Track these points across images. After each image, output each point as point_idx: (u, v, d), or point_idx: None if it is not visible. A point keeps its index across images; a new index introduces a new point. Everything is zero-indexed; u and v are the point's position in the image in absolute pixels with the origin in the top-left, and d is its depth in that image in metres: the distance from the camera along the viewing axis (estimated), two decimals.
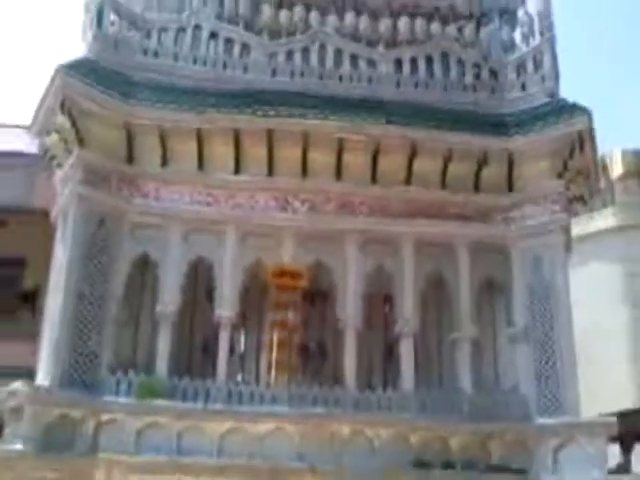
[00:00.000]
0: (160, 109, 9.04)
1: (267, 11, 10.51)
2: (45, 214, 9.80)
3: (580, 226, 14.08)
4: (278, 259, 9.15)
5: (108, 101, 8.81)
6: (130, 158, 9.16)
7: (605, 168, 15.75)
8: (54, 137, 9.10)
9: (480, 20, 10.93)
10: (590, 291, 14.22)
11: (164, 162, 9.24)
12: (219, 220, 9.20)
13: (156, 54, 9.72)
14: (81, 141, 8.80)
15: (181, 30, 9.97)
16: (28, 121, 9.48)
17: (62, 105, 8.64)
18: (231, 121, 9.19)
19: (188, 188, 9.26)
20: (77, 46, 9.61)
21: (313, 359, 10.06)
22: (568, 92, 9.84)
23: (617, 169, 15.94)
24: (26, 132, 10.00)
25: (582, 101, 9.33)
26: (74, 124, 8.71)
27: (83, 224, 8.69)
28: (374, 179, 9.50)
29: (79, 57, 9.08)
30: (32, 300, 12.99)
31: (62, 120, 8.77)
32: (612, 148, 15.97)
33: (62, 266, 8.65)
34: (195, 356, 9.85)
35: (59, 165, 9.39)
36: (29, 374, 8.61)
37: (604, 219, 15.51)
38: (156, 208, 9.11)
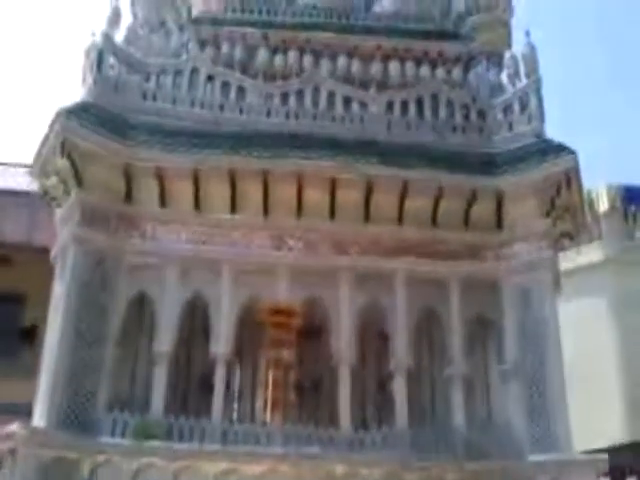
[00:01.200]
0: (158, 151, 9.02)
1: (262, 55, 10.60)
2: (46, 251, 9.70)
3: (568, 261, 14.02)
4: (273, 296, 9.05)
5: (107, 143, 8.78)
6: (128, 199, 9.10)
7: (591, 203, 15.79)
8: (53, 179, 9.05)
9: (468, 63, 11.03)
10: (579, 325, 14.12)
11: (162, 202, 9.18)
12: (215, 258, 9.12)
13: (155, 97, 9.72)
14: (80, 183, 8.75)
15: (179, 74, 9.99)
16: (30, 160, 9.42)
17: (62, 148, 8.61)
18: (227, 162, 9.17)
19: (185, 227, 9.19)
20: (78, 89, 9.62)
21: (308, 396, 9.90)
22: (555, 127, 9.91)
23: (603, 204, 15.97)
24: (27, 172, 9.92)
25: (567, 136, 9.37)
26: (73, 166, 8.67)
27: (81, 264, 8.59)
28: (367, 217, 9.45)
29: (79, 101, 9.08)
30: (32, 337, 12.82)
31: (62, 162, 8.73)
32: (598, 183, 16.01)
33: (60, 305, 8.53)
34: (191, 393, 9.70)
35: (59, 205, 9.32)
36: (28, 411, 8.43)
37: (591, 253, 15.47)
38: (153, 247, 9.03)
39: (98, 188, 8.84)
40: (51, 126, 8.61)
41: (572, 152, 9.16)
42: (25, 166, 12.30)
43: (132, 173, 9.02)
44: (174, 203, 9.21)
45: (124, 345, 8.86)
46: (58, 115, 8.53)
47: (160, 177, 9.08)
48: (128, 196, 9.09)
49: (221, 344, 8.74)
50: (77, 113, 8.68)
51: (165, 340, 8.70)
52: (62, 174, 8.89)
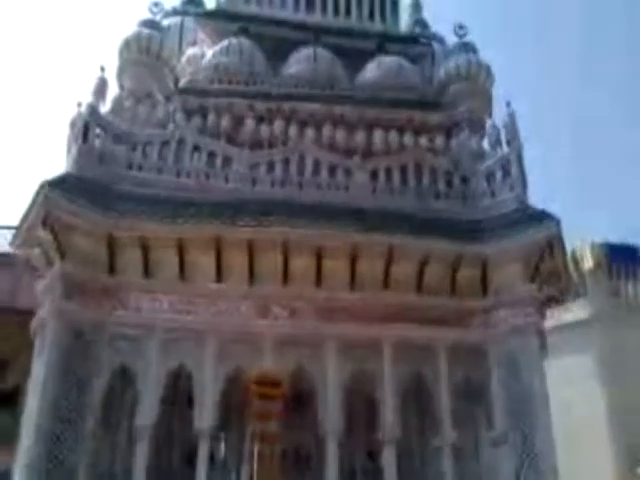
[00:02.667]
0: (142, 221, 8.72)
1: (249, 125, 10.47)
2: (28, 314, 9.24)
3: (555, 318, 13.75)
4: (259, 366, 8.60)
5: (90, 215, 8.49)
6: (111, 269, 8.75)
7: (576, 261, 15.62)
8: (36, 250, 8.70)
9: (450, 130, 10.96)
10: (567, 382, 13.76)
11: (145, 272, 8.83)
12: (199, 329, 8.73)
13: (140, 167, 9.49)
14: (62, 254, 8.41)
15: (165, 144, 9.79)
16: (14, 221, 9.10)
17: (44, 220, 8.30)
18: (213, 231, 8.88)
19: (169, 297, 8.82)
20: (63, 159, 9.37)
21: (295, 469, 9.37)
22: (540, 186, 9.76)
23: (587, 262, 15.83)
24: (10, 240, 9.54)
25: (553, 199, 9.21)
26: (56, 238, 8.34)
27: (61, 338, 8.17)
28: (353, 284, 9.15)
29: (62, 172, 8.82)
30: (12, 401, 12.24)
31: (44, 234, 8.40)
32: (582, 242, 15.88)
33: (39, 380, 8.07)
34: (175, 467, 9.16)
35: (41, 276, 8.93)
36: (7, 476, 7.91)
37: (578, 310, 15.23)
38: (136, 318, 8.63)
39: (81, 259, 8.49)
40: (34, 198, 8.32)
41: (555, 219, 8.98)
42: (8, 228, 11.97)
43: (116, 244, 8.70)
44: (158, 273, 8.87)
45: (105, 419, 8.38)
46: (41, 187, 8.25)
47: (144, 247, 8.76)
48: (111, 267, 8.74)
49: (205, 419, 8.28)
50: (60, 185, 8.40)
51: (147, 414, 8.21)
52: (45, 245, 8.56)
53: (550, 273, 9.40)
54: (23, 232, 8.64)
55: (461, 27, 12.08)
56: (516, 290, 9.07)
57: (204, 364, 8.55)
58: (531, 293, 9.07)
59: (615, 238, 15.95)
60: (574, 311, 15.37)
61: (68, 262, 8.40)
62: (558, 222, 8.99)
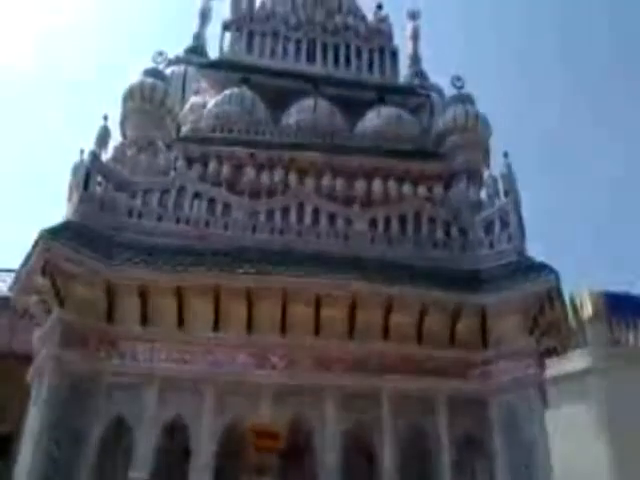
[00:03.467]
0: (141, 269, 8.68)
1: (249, 173, 10.50)
2: (25, 358, 9.11)
3: (554, 368, 13.54)
4: (256, 417, 8.44)
5: (89, 263, 8.44)
6: (109, 317, 8.66)
7: (576, 309, 15.48)
8: (34, 297, 8.61)
9: (448, 181, 11.02)
10: (568, 433, 13.47)
11: (143, 320, 8.74)
12: (196, 378, 8.59)
13: (140, 215, 9.49)
14: (61, 302, 8.33)
15: (166, 191, 9.81)
16: (11, 264, 9.02)
17: (44, 268, 8.25)
18: (211, 279, 8.81)
19: (166, 346, 8.71)
20: (64, 206, 9.36)
21: None
22: (539, 233, 9.77)
23: (587, 310, 15.64)
24: (9, 286, 9.46)
25: (552, 245, 9.21)
26: (55, 286, 8.27)
27: (58, 387, 8.03)
28: (352, 334, 9.05)
29: (63, 220, 8.82)
30: (7, 446, 11.94)
31: (43, 282, 8.33)
32: (581, 289, 15.76)
33: (34, 430, 7.90)
34: None
35: (38, 324, 8.83)
36: None
37: (578, 360, 14.98)
38: (133, 367, 8.50)
39: (79, 307, 8.41)
40: (34, 245, 8.28)
41: (553, 271, 8.95)
42: (6, 270, 11.87)
43: (114, 291, 8.63)
44: (156, 321, 8.77)
45: (99, 471, 8.15)
46: (41, 235, 8.22)
47: (143, 295, 8.69)
48: (109, 315, 8.65)
49: (202, 471, 8.08)
50: (60, 233, 8.38)
51: (142, 466, 8.02)
52: (43, 293, 8.48)
53: (549, 325, 9.31)
54: (22, 279, 8.57)
55: (458, 79, 12.25)
56: (516, 342, 8.98)
57: (201, 415, 8.40)
58: (531, 345, 8.98)
59: (615, 287, 15.83)
60: (574, 361, 15.11)
61: (66, 310, 8.31)
62: (557, 274, 8.96)
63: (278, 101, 11.72)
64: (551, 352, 9.91)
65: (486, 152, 11.53)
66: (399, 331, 9.05)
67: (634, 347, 15.65)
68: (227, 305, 8.86)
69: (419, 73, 15.07)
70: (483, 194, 10.57)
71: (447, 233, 10.07)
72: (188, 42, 15.31)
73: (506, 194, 9.97)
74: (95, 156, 9.34)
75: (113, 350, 8.53)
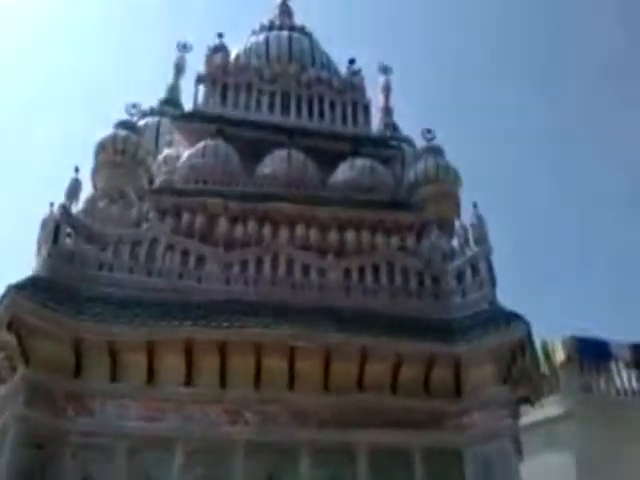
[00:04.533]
0: (111, 324, 8.44)
1: (222, 225, 10.41)
2: None
3: (528, 415, 13.39)
4: (229, 476, 8.14)
5: (57, 318, 8.19)
6: (77, 374, 8.36)
7: (548, 355, 15.41)
8: None
9: (421, 231, 11.05)
10: None
11: (112, 377, 8.45)
12: (167, 436, 8.28)
13: (111, 268, 9.30)
14: (27, 360, 8.03)
15: (138, 243, 9.66)
16: None
17: (9, 324, 7.98)
18: (183, 333, 8.61)
19: (136, 403, 8.40)
20: (32, 260, 9.14)
21: None
22: (512, 279, 9.76)
23: (559, 356, 15.57)
24: None
25: (521, 292, 9.22)
26: (21, 343, 7.99)
27: (22, 449, 7.64)
28: (327, 386, 8.86)
29: (30, 275, 8.58)
30: None
31: (8, 338, 8.05)
32: (553, 335, 15.74)
33: None
34: None
35: (2, 381, 8.48)
36: None
37: (551, 407, 14.85)
38: (101, 427, 8.16)
39: (46, 365, 8.10)
40: (0, 301, 8.01)
41: (524, 321, 8.96)
42: None
43: (83, 347, 8.36)
44: (125, 377, 8.48)
45: None
46: (8, 290, 7.98)
47: (112, 350, 8.42)
48: (77, 371, 8.35)
49: None
50: (27, 288, 8.14)
51: None
52: (8, 350, 8.18)
53: (522, 374, 9.24)
54: None
55: (429, 131, 12.44)
56: (489, 392, 8.87)
57: (172, 473, 8.06)
58: (504, 395, 8.88)
59: (585, 331, 15.83)
60: (547, 407, 14.99)
61: (32, 368, 8.00)
62: (528, 324, 8.96)
63: (252, 152, 11.73)
64: (525, 401, 9.80)
65: (456, 202, 11.60)
66: (374, 382, 8.89)
67: (606, 393, 15.61)
68: (200, 359, 8.64)
69: (391, 125, 15.28)
70: (455, 243, 10.58)
71: (420, 282, 10.04)
72: (162, 94, 15.39)
73: (477, 243, 10.01)
74: (65, 209, 9.20)
75: (80, 409, 8.20)
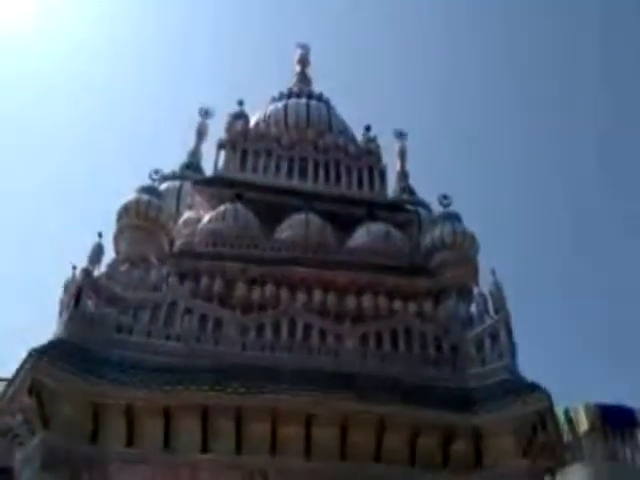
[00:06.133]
0: (128, 388, 8.57)
1: (241, 288, 10.59)
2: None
3: None
4: None
5: (77, 382, 8.34)
6: (94, 438, 8.44)
7: (571, 422, 15.13)
8: (19, 417, 8.40)
9: (438, 296, 11.12)
10: None
11: (129, 441, 8.50)
12: None
13: (130, 331, 9.47)
14: (45, 423, 8.14)
15: (157, 307, 9.85)
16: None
17: (30, 387, 8.10)
18: (200, 398, 8.69)
19: (151, 468, 8.41)
20: (54, 321, 9.34)
21: None
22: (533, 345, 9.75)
23: (582, 424, 15.26)
24: None
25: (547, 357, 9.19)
26: (41, 406, 8.11)
27: None
28: (343, 455, 8.80)
29: (51, 339, 8.78)
30: None
31: (29, 402, 8.16)
32: (576, 403, 15.49)
33: None
34: None
35: (21, 444, 8.54)
36: None
37: (573, 476, 14.49)
38: None
39: (64, 428, 8.20)
40: (22, 365, 8.18)
41: (545, 392, 8.93)
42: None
43: (100, 411, 8.45)
44: (142, 442, 8.52)
45: None
46: (29, 354, 8.15)
47: (129, 414, 8.50)
48: (94, 435, 8.42)
49: None
50: (48, 352, 8.32)
51: None
52: (28, 413, 8.27)
53: (544, 446, 9.15)
54: (7, 397, 8.39)
55: (445, 197, 12.68)
56: (510, 464, 8.77)
57: None
58: (525, 467, 8.79)
59: (611, 399, 15.60)
60: (570, 476, 14.63)
61: (50, 431, 8.10)
62: (549, 395, 8.94)
63: (271, 216, 12.03)
64: (547, 471, 9.61)
65: (474, 268, 11.74)
66: (392, 452, 8.83)
67: (631, 461, 15.23)
68: (215, 424, 8.68)
69: (407, 189, 15.54)
70: (473, 310, 10.60)
71: (438, 350, 10.06)
72: (183, 158, 15.84)
73: (496, 311, 10.06)
74: (87, 273, 9.44)
75: (96, 473, 8.21)
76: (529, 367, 9.88)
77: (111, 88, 33.57)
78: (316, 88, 16.48)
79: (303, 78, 17.00)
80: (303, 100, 15.44)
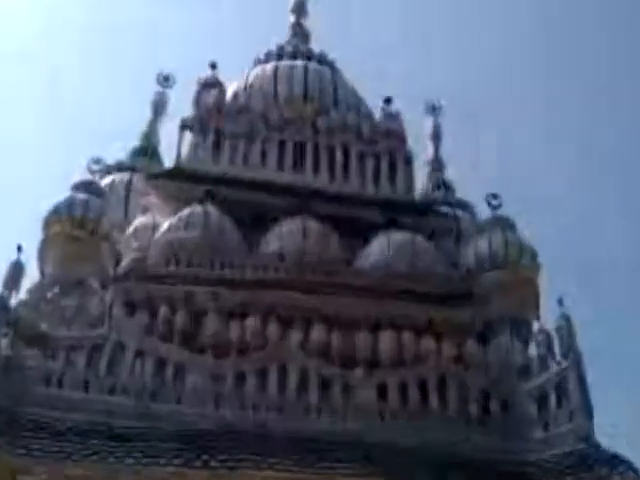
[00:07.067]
0: (58, 462, 8.59)
1: (212, 322, 10.57)
2: None
3: None
4: None
5: None
6: None
7: None
8: None
9: (484, 333, 11.08)
10: None
11: None
12: None
13: (60, 382, 9.54)
14: None
15: (97, 349, 9.88)
16: None
17: None
18: (157, 475, 8.78)
19: None
20: None
21: None
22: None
23: None
24: None
25: None
26: None
27: None
28: None
29: None
30: None
31: None
32: None
33: None
34: None
35: None
36: None
37: None
38: None
39: None
40: None
41: (630, 466, 8.93)
42: None
43: None
44: None
45: None
46: None
47: None
48: None
49: None
50: None
51: None
52: None
53: None
54: None
55: (494, 197, 12.65)
56: None
57: None
58: None
59: None
60: None
61: None
62: (636, 470, 8.93)
63: (254, 223, 12.06)
64: None
65: (534, 294, 11.70)
66: None
67: None
68: None
69: (442, 184, 15.54)
70: (533, 352, 10.58)
71: (485, 407, 10.08)
72: (134, 142, 15.83)
73: (564, 354, 10.01)
74: (2, 302, 9.42)
75: None
76: (609, 431, 9.92)
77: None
78: (316, 46, 16.55)
79: (299, 32, 17.06)
80: (299, 62, 15.51)
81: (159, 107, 16.65)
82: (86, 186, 11.87)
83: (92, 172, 12.30)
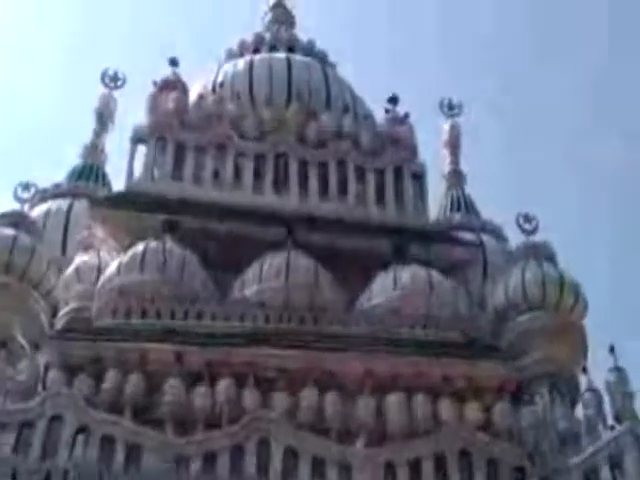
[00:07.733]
0: None
1: (173, 389, 10.47)
2: None
3: None
4: None
5: None
6: None
7: None
8: None
9: (518, 393, 11.09)
10: None
11: None
12: None
13: None
14: None
15: (28, 425, 9.79)
16: None
17: None
18: None
19: None
20: None
21: None
22: None
23: None
24: None
25: None
26: None
27: None
28: None
29: None
30: None
31: None
32: None
33: None
34: None
35: None
36: None
37: None
38: None
39: None
40: None
41: None
42: None
43: None
44: None
45: None
46: None
47: None
48: None
49: None
50: None
51: None
52: None
53: None
54: None
55: (527, 218, 12.62)
56: None
57: None
58: None
59: None
60: None
61: None
62: None
63: (226, 261, 12.09)
64: None
65: (581, 342, 11.68)
66: None
67: None
68: None
69: (463, 203, 15.52)
70: (580, 416, 10.57)
71: None
72: (74, 160, 15.90)
73: (617, 418, 9.97)
74: None
75: None
76: None
77: None
78: (303, 35, 16.68)
79: (281, 17, 17.18)
80: (281, 55, 15.64)
81: (105, 114, 16.65)
82: (12, 219, 11.84)
83: (20, 201, 12.27)
